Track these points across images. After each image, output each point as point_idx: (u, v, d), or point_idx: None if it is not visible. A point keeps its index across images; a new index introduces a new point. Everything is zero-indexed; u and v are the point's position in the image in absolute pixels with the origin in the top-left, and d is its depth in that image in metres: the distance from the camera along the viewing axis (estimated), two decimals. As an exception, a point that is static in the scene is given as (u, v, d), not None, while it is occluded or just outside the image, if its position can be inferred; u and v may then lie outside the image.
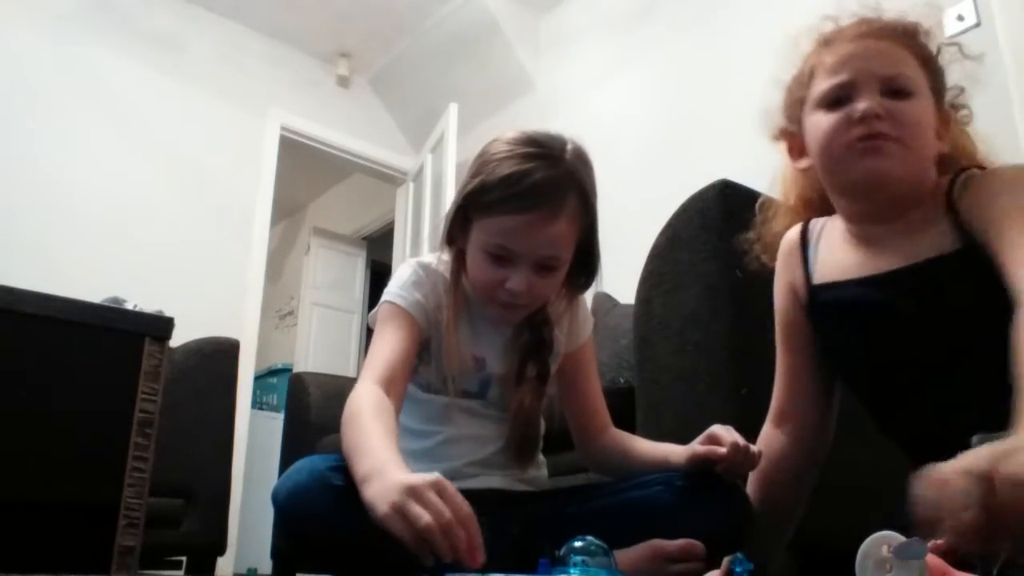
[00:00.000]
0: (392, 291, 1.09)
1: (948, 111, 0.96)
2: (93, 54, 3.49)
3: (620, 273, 1.72)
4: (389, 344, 1.03)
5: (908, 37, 0.94)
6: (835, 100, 0.93)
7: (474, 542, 0.72)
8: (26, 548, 1.33)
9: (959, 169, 0.94)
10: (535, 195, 0.98)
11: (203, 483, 2.43)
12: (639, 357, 1.48)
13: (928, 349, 0.89)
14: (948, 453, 0.84)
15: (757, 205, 1.16)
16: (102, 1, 3.55)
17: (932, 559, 0.51)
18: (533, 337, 1.12)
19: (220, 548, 2.48)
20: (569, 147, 1.04)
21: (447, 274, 1.11)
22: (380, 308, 1.10)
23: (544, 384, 1.12)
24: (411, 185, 4.25)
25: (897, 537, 0.53)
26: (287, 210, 5.67)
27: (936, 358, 0.90)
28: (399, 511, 0.71)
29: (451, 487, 0.75)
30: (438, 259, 1.14)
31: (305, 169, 4.85)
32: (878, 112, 0.88)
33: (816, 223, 1.06)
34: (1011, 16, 2.05)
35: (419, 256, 1.20)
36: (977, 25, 2.13)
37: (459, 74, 3.96)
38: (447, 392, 1.10)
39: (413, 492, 0.72)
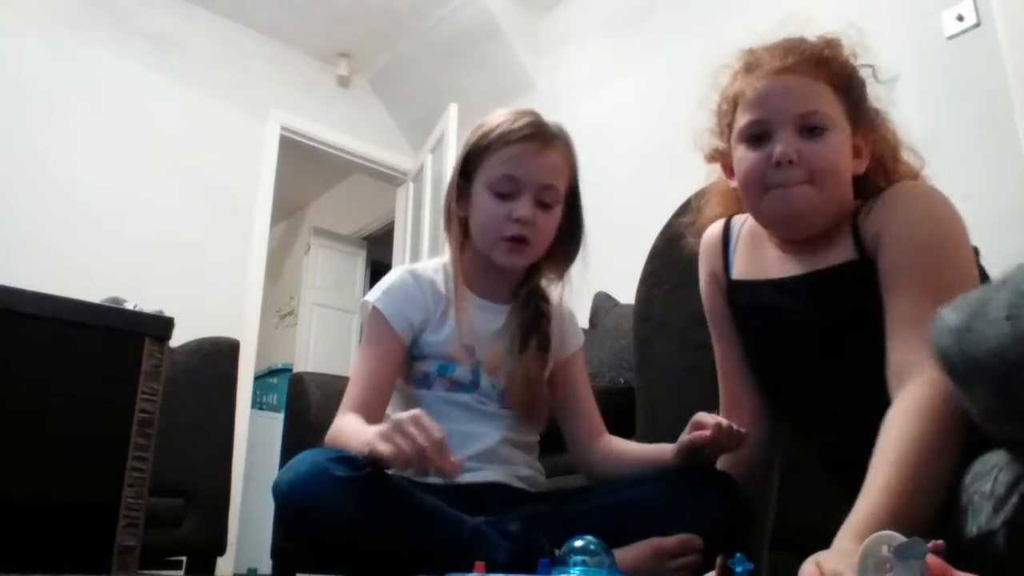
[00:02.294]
0: (376, 295, 1.15)
1: (869, 126, 0.98)
2: (93, 54, 3.49)
3: (620, 273, 1.72)
4: (368, 370, 1.11)
5: (824, 65, 0.95)
6: (754, 136, 0.96)
7: (446, 460, 0.85)
8: (26, 548, 1.33)
9: (870, 193, 0.96)
10: (531, 128, 1.13)
11: (203, 483, 2.43)
12: (639, 357, 1.48)
13: (818, 350, 0.92)
14: (839, 464, 0.87)
15: (694, 194, 1.22)
16: (102, 1, 3.55)
17: (932, 559, 0.51)
18: (531, 311, 1.18)
19: (220, 548, 2.48)
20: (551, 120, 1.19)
21: (436, 276, 1.17)
22: (367, 313, 1.15)
23: (546, 353, 1.17)
24: (411, 185, 4.25)
25: (897, 537, 0.53)
26: (287, 210, 5.67)
27: (825, 360, 0.95)
28: (387, 439, 0.85)
29: (426, 418, 0.87)
30: (431, 266, 1.19)
31: (305, 169, 4.85)
32: (791, 158, 0.92)
33: (738, 220, 1.11)
34: (1011, 16, 2.05)
35: (417, 258, 1.24)
36: (977, 25, 2.13)
37: (459, 74, 3.96)
38: (442, 384, 1.13)
39: (397, 425, 0.85)
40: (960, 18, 2.16)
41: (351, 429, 0.99)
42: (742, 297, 1.06)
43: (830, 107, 0.94)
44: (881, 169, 0.99)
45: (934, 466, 0.72)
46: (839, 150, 0.94)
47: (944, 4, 2.19)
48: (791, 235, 1.00)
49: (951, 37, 2.17)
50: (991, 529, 0.59)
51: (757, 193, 0.96)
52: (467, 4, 3.74)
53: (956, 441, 0.72)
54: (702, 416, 0.99)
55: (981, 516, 0.61)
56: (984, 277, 0.91)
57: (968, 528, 0.62)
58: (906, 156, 1.00)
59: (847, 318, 0.92)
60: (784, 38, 0.98)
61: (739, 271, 1.06)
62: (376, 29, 4.05)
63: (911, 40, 2.27)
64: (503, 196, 1.11)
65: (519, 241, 1.11)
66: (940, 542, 0.52)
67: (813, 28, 1.01)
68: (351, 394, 1.09)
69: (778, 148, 0.92)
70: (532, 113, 1.16)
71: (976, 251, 0.91)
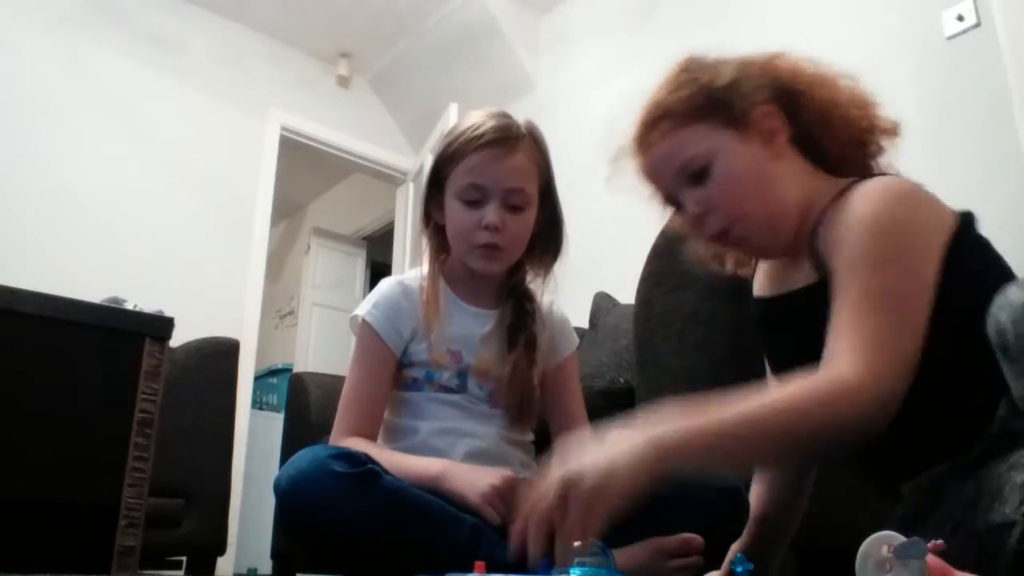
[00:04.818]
0: (366, 309, 1.15)
1: (760, 105, 0.92)
2: (93, 54, 3.49)
3: (620, 273, 1.72)
4: (363, 388, 1.13)
5: (666, 117, 0.94)
6: (674, 207, 0.99)
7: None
8: (26, 548, 1.33)
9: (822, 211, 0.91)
10: (492, 133, 1.12)
11: (203, 483, 2.43)
12: (639, 357, 1.48)
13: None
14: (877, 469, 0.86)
15: None
16: (102, 1, 3.55)
17: (932, 559, 0.51)
18: (517, 311, 1.19)
19: (220, 548, 2.48)
20: (521, 118, 1.18)
21: (424, 283, 1.17)
22: (357, 326, 1.16)
23: (533, 351, 1.17)
24: (411, 185, 4.25)
25: (897, 537, 0.53)
26: (287, 210, 5.67)
27: None
28: (491, 505, 0.93)
29: (517, 486, 0.94)
30: (418, 274, 1.20)
31: (305, 169, 4.85)
32: (697, 212, 0.93)
33: None
34: (1011, 16, 2.05)
35: (417, 258, 1.25)
36: (977, 25, 2.13)
37: (459, 74, 3.96)
38: (431, 388, 1.14)
39: (497, 492, 0.94)
40: (960, 18, 2.16)
41: (400, 459, 1.03)
42: (754, 312, 1.06)
43: (701, 141, 0.91)
44: (832, 130, 0.94)
45: (762, 430, 0.73)
46: (734, 173, 0.90)
47: (944, 4, 2.19)
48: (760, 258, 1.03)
49: (951, 37, 2.17)
50: (1013, 520, 0.59)
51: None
52: (467, 4, 3.74)
53: (812, 429, 0.73)
54: None
55: (1007, 506, 0.61)
56: (1000, 267, 0.88)
57: (993, 515, 0.62)
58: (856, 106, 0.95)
59: (809, 343, 0.87)
60: (639, 113, 0.98)
61: (756, 287, 1.07)
62: (376, 29, 4.05)
63: (911, 40, 2.27)
64: (471, 204, 1.12)
65: (491, 248, 1.12)
66: (940, 542, 0.52)
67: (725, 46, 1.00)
68: (350, 414, 1.11)
69: (689, 211, 0.94)
70: (497, 115, 1.15)
71: (982, 243, 0.88)
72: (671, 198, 0.97)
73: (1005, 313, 0.61)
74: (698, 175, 0.91)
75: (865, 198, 0.84)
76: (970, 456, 0.72)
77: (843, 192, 0.88)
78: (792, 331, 0.95)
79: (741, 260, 1.08)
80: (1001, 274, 0.87)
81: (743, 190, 0.91)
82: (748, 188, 0.91)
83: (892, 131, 0.96)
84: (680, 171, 0.92)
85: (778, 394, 0.75)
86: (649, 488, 0.68)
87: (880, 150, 0.97)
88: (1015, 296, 0.61)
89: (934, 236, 0.82)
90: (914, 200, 0.84)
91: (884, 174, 0.95)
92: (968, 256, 0.83)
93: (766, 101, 0.92)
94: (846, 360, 0.75)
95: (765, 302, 1.01)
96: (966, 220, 0.86)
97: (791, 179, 0.93)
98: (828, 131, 0.94)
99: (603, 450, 0.69)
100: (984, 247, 0.88)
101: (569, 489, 0.66)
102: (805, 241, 0.91)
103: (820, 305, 0.82)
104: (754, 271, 1.08)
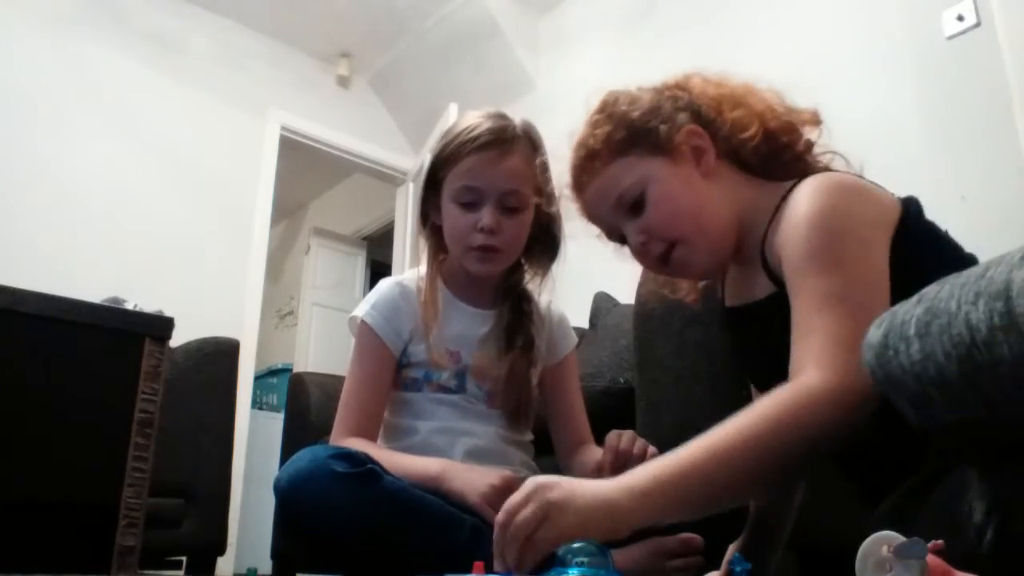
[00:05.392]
0: (365, 310, 1.16)
1: (685, 127, 0.93)
2: (93, 54, 3.49)
3: (620, 273, 1.72)
4: (363, 388, 1.13)
5: (596, 157, 0.94)
6: (616, 240, 0.99)
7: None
8: (26, 548, 1.33)
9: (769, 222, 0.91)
10: (488, 135, 1.12)
11: (203, 483, 2.42)
12: (639, 357, 1.48)
13: (766, 384, 0.86)
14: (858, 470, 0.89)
15: None
16: (102, 1, 3.55)
17: (932, 559, 0.51)
18: (514, 312, 1.19)
19: (220, 548, 2.48)
20: (518, 118, 1.18)
21: (422, 284, 1.17)
22: (356, 326, 1.16)
23: (531, 352, 1.17)
24: (411, 185, 4.25)
25: (897, 537, 0.53)
26: (287, 210, 5.67)
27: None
28: (491, 505, 0.91)
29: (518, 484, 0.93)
30: (416, 275, 1.20)
31: (305, 169, 4.85)
32: (643, 240, 0.92)
33: None
34: (1011, 16, 2.05)
35: (417, 258, 1.25)
36: (977, 25, 2.13)
37: (459, 74, 3.96)
38: (430, 388, 1.14)
39: (497, 491, 0.93)
40: (960, 18, 2.16)
41: (400, 459, 1.03)
42: (726, 323, 1.06)
43: (632, 172, 0.92)
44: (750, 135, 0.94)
45: (741, 458, 0.70)
46: (667, 195, 0.91)
47: (944, 4, 2.19)
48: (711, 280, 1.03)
49: (951, 37, 2.17)
50: (979, 553, 0.59)
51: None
52: (467, 4, 3.74)
53: (792, 445, 0.71)
54: (609, 438, 1.01)
55: (966, 538, 0.60)
56: (952, 252, 0.86)
57: (957, 546, 0.61)
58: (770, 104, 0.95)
59: (774, 352, 0.85)
60: (569, 159, 0.98)
61: (725, 299, 1.06)
62: (376, 29, 4.06)
63: (911, 40, 2.27)
64: (467, 206, 1.12)
65: (487, 250, 1.12)
66: (940, 542, 0.52)
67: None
68: (350, 414, 1.12)
69: (632, 241, 0.94)
70: (493, 117, 1.15)
71: (929, 229, 0.86)
72: (615, 233, 0.97)
73: (868, 354, 0.60)
74: (635, 206, 0.92)
75: (804, 198, 0.82)
76: (919, 476, 0.70)
77: (784, 197, 0.87)
78: (758, 341, 0.95)
79: (690, 289, 1.08)
80: (952, 258, 0.84)
81: (678, 210, 0.91)
82: (683, 208, 0.91)
83: (813, 121, 0.96)
84: (617, 205, 0.93)
85: (748, 418, 0.72)
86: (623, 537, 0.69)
87: (809, 144, 0.96)
88: (872, 336, 0.59)
89: (879, 225, 0.81)
90: (853, 191, 0.83)
91: (826, 168, 0.94)
92: (915, 244, 0.81)
93: (688, 122, 0.93)
94: (812, 366, 0.73)
95: (731, 312, 1.01)
96: (909, 207, 0.85)
97: (726, 194, 0.93)
98: (748, 142, 0.94)
99: (590, 492, 0.70)
100: (931, 233, 0.87)
101: (548, 514, 0.68)
102: (757, 252, 0.90)
103: (782, 314, 0.81)
104: (703, 293, 1.08)
